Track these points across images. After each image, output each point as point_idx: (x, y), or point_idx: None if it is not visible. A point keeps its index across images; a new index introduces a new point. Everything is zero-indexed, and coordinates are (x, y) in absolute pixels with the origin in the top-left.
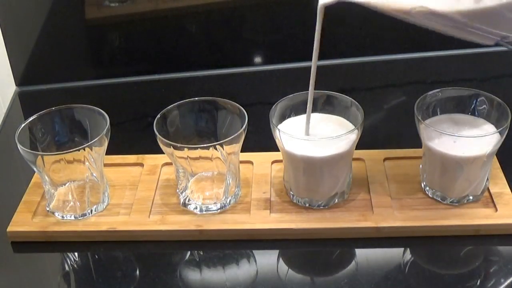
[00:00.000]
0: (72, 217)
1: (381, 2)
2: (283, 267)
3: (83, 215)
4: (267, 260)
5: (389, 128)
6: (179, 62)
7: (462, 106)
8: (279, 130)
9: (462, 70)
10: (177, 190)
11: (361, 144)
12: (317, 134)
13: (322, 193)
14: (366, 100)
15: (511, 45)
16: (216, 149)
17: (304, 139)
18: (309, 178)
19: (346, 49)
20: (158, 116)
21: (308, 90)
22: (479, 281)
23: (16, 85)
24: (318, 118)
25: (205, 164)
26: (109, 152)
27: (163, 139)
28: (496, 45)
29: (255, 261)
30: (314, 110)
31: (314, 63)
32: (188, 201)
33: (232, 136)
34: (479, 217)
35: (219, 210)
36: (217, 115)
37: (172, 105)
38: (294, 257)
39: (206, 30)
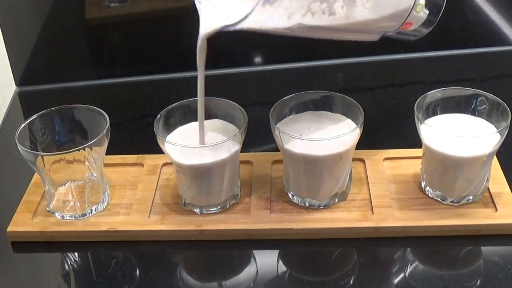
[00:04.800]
0: (72, 217)
1: (260, 26)
2: (283, 267)
3: (83, 215)
4: (267, 260)
5: (389, 128)
6: (179, 62)
7: (462, 106)
8: (279, 130)
9: (462, 70)
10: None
11: (361, 144)
12: (317, 133)
13: (322, 193)
14: (366, 100)
15: (401, 34)
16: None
17: (304, 139)
18: (309, 178)
19: (346, 49)
20: (158, 116)
21: (308, 90)
22: (479, 281)
23: (16, 85)
24: (317, 118)
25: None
26: (109, 152)
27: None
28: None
29: (255, 261)
30: (315, 109)
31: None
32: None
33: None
34: (479, 217)
35: (219, 210)
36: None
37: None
38: (294, 257)
39: None
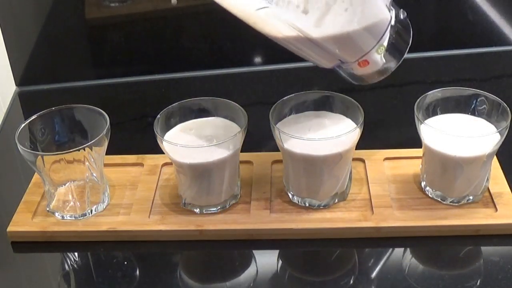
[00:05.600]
0: (72, 217)
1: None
2: (283, 267)
3: (83, 215)
4: (267, 260)
5: (389, 128)
6: (179, 62)
7: (462, 106)
8: (279, 129)
9: (462, 70)
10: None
11: (361, 144)
12: (317, 133)
13: (322, 193)
14: (366, 100)
15: (345, 73)
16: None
17: (304, 139)
18: (309, 178)
19: None
20: (158, 116)
21: (308, 90)
22: (479, 281)
23: (16, 85)
24: (317, 118)
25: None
26: (109, 152)
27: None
28: (333, 69)
29: (255, 261)
30: (315, 109)
31: None
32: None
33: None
34: (479, 217)
35: (219, 210)
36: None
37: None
38: (294, 257)
39: (206, 30)
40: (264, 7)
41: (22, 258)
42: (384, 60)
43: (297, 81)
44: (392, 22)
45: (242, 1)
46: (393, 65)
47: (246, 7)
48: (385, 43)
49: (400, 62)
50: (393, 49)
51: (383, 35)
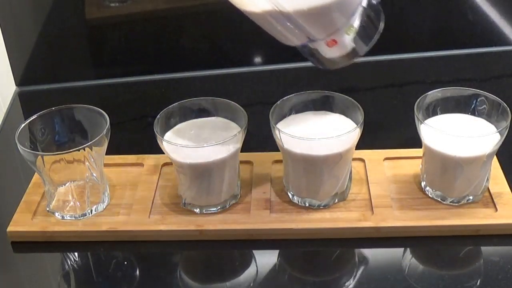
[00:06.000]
0: (72, 217)
1: None
2: (283, 267)
3: (83, 215)
4: (267, 260)
5: (389, 128)
6: (179, 62)
7: (462, 106)
8: (279, 129)
9: (462, 70)
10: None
11: (361, 144)
12: (317, 133)
13: (322, 193)
14: (366, 100)
15: (312, 56)
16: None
17: (304, 139)
18: (309, 178)
19: None
20: (158, 116)
21: (308, 90)
22: (479, 281)
23: (16, 85)
24: (317, 118)
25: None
26: (109, 152)
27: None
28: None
29: (255, 261)
30: (315, 109)
31: None
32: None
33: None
34: (479, 217)
35: (219, 210)
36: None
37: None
38: (294, 257)
39: (206, 30)
40: None
41: (22, 258)
42: (353, 44)
43: (297, 81)
44: (364, 4)
45: None
46: (361, 50)
47: None
48: (355, 25)
49: (369, 47)
50: (363, 33)
51: (354, 14)
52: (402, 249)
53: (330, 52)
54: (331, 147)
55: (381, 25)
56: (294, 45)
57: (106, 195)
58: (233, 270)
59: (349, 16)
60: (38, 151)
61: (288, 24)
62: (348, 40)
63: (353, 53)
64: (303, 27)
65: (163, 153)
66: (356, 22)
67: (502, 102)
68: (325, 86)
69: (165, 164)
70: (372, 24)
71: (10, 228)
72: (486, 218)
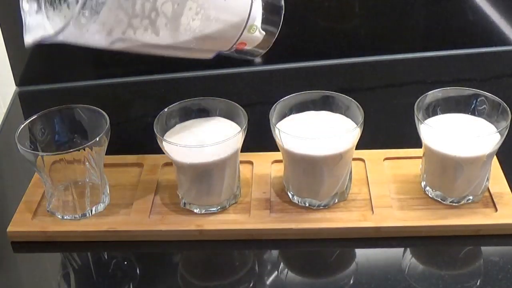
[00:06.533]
0: (72, 217)
1: (78, 40)
2: (283, 267)
3: (83, 215)
4: (267, 260)
5: (389, 128)
6: (179, 62)
7: (462, 106)
8: (279, 129)
9: (462, 70)
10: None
11: (361, 144)
12: (317, 133)
13: (322, 193)
14: (366, 100)
15: (238, 53)
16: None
17: (304, 139)
18: (309, 178)
19: (346, 49)
20: (158, 116)
21: (308, 90)
22: (479, 281)
23: (16, 85)
24: (317, 118)
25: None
26: (109, 152)
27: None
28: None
29: (255, 261)
30: (315, 109)
31: None
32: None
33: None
34: (479, 217)
35: (219, 210)
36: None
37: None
38: (294, 257)
39: None
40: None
41: (22, 258)
42: (263, 32)
43: (297, 81)
44: (255, 5)
45: (93, 37)
46: (274, 31)
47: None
48: (256, 22)
49: (281, 23)
50: (269, 17)
51: (247, 22)
52: (402, 249)
53: (248, 47)
54: (331, 147)
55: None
56: (208, 59)
57: (106, 195)
58: (233, 270)
59: (242, 28)
60: (38, 151)
61: (191, 51)
62: (256, 34)
63: (269, 36)
64: (206, 49)
65: (163, 153)
66: (256, 19)
67: (502, 102)
68: (325, 86)
69: (165, 164)
70: (273, 6)
71: (10, 228)
72: (486, 218)
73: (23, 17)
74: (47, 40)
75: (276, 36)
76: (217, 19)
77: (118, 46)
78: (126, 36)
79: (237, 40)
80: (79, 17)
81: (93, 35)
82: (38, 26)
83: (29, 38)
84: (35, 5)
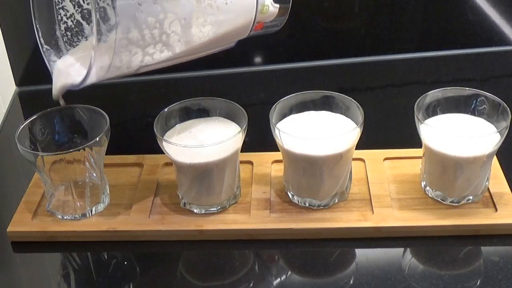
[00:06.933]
0: (72, 217)
1: (105, 77)
2: (283, 267)
3: (83, 215)
4: (267, 260)
5: (389, 128)
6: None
7: (462, 106)
8: (279, 129)
9: (462, 70)
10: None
11: (361, 144)
12: (317, 133)
13: (322, 193)
14: (366, 100)
15: (258, 32)
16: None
17: (304, 139)
18: (309, 178)
19: (346, 49)
20: (158, 116)
21: (308, 90)
22: (479, 281)
23: (16, 85)
24: (317, 118)
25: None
26: (109, 152)
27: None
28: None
29: (255, 261)
30: (315, 109)
31: None
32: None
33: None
34: (479, 217)
35: (219, 210)
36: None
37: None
38: (294, 257)
39: None
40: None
41: (22, 258)
42: (277, 5)
43: (297, 81)
44: None
45: (118, 71)
46: (288, 3)
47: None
48: (266, 2)
49: None
50: None
51: (256, 10)
52: (402, 249)
53: (267, 23)
54: (331, 147)
55: None
56: (232, 46)
57: (106, 195)
58: (233, 270)
59: (253, 18)
60: (38, 151)
61: (212, 47)
62: (270, 11)
63: (285, 3)
64: (224, 43)
65: (163, 153)
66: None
67: (502, 102)
68: (325, 86)
69: (165, 164)
70: None
71: (10, 228)
72: (486, 218)
73: (49, 69)
74: (75, 88)
75: (289, 7)
76: (226, 18)
77: (144, 70)
78: (146, 62)
79: (253, 26)
80: (96, 61)
81: (116, 70)
82: (65, 76)
83: (57, 88)
84: (57, 52)
